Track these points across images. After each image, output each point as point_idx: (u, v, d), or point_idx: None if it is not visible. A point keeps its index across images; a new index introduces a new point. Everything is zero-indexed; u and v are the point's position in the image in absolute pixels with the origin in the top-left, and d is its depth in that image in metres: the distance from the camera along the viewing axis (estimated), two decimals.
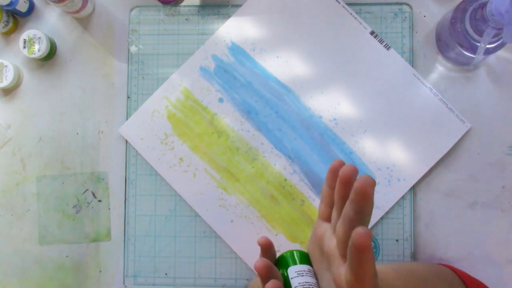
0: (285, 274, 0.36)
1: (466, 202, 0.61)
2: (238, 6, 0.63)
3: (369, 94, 0.61)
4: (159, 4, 0.64)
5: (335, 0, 0.62)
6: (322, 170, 0.61)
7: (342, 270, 0.34)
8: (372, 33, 0.62)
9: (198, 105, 0.62)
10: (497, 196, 0.61)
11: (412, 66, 0.61)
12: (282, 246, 0.61)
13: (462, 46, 0.56)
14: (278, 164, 0.61)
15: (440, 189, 0.61)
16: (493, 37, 0.52)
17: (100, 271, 0.63)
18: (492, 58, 0.61)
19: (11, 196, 0.64)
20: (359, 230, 0.30)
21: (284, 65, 0.62)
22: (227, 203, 0.61)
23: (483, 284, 0.48)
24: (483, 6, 0.51)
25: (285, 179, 0.61)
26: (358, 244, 0.30)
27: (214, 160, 0.62)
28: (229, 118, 0.62)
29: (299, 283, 0.35)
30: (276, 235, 0.61)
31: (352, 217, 0.32)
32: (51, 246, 0.63)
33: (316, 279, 0.37)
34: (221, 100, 0.62)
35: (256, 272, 0.36)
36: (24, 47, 0.61)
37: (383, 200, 0.60)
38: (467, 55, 0.56)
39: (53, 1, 0.57)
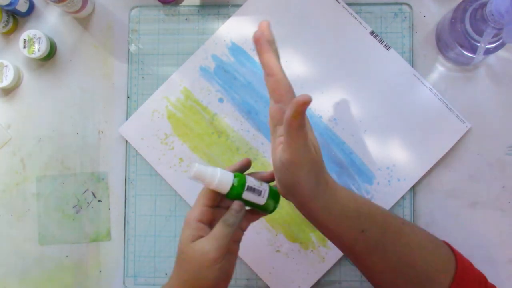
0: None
1: (466, 202, 0.61)
2: (238, 6, 0.63)
3: (369, 94, 0.61)
4: (159, 4, 0.64)
5: (335, 0, 0.62)
6: None
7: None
8: (372, 33, 0.62)
9: (198, 105, 0.62)
10: (497, 196, 0.61)
11: (412, 66, 0.61)
12: (282, 246, 0.61)
13: (462, 46, 0.56)
14: None
15: (440, 189, 0.61)
16: (493, 37, 0.52)
17: (100, 271, 0.63)
18: (492, 58, 0.61)
19: (11, 196, 0.64)
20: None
21: (284, 65, 0.62)
22: None
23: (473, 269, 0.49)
24: (483, 6, 0.51)
25: None
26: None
27: (214, 160, 0.62)
28: (229, 118, 0.62)
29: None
30: (276, 235, 0.61)
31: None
32: (51, 246, 0.63)
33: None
34: (221, 100, 0.62)
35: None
36: (24, 47, 0.61)
37: (383, 200, 0.60)
38: (467, 55, 0.56)
39: (53, 1, 0.57)
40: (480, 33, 0.53)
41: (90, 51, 0.64)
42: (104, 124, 0.64)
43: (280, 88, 0.42)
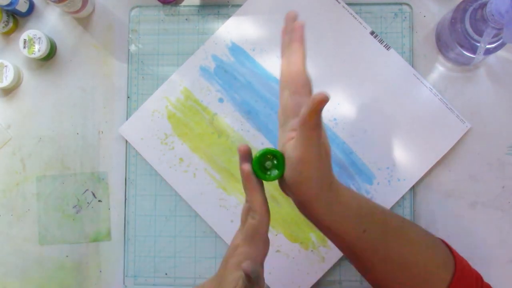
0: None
1: (466, 202, 0.61)
2: (238, 6, 0.63)
3: (369, 94, 0.61)
4: (159, 4, 0.64)
5: (335, 0, 0.62)
6: None
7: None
8: (372, 33, 0.62)
9: (198, 105, 0.63)
10: (497, 196, 0.61)
11: (412, 66, 0.61)
12: (282, 246, 0.61)
13: (462, 46, 0.56)
14: None
15: (440, 189, 0.61)
16: (493, 37, 0.52)
17: (100, 271, 0.63)
18: (492, 58, 0.61)
19: (11, 196, 0.64)
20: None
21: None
22: (227, 203, 0.61)
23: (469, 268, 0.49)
24: (483, 6, 0.51)
25: None
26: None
27: (214, 160, 0.62)
28: (229, 118, 0.62)
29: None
30: (276, 235, 0.61)
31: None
32: (51, 246, 0.63)
33: None
34: (221, 100, 0.62)
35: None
36: (24, 47, 0.61)
37: (383, 200, 0.60)
38: (467, 55, 0.56)
39: (53, 1, 0.57)
40: (480, 33, 0.53)
41: (90, 51, 0.64)
42: (104, 124, 0.64)
43: (299, 79, 0.42)
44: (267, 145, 0.62)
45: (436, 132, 0.60)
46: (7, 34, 0.64)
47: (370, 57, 0.61)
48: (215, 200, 0.61)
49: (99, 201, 0.63)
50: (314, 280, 0.60)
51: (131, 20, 0.64)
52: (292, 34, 0.43)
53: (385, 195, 0.60)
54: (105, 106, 0.64)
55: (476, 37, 0.53)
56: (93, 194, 0.63)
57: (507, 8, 0.48)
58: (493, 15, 0.49)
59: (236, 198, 0.61)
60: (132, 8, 0.64)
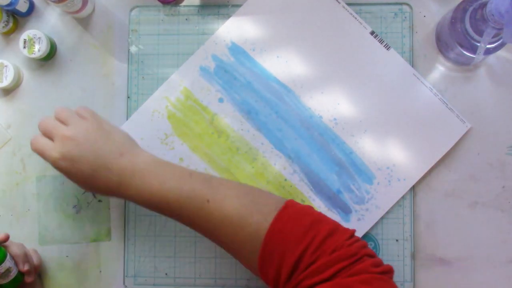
0: None
1: (466, 202, 0.61)
2: (238, 6, 0.63)
3: (369, 94, 0.61)
4: (159, 4, 0.64)
5: (335, 0, 0.62)
6: (322, 170, 0.61)
7: None
8: (372, 33, 0.62)
9: (198, 105, 0.63)
10: (497, 196, 0.61)
11: (412, 66, 0.61)
12: None
13: (462, 46, 0.56)
14: (278, 164, 0.61)
15: (440, 189, 0.61)
16: (493, 37, 0.52)
17: (100, 271, 0.63)
18: (492, 58, 0.61)
19: (11, 196, 0.64)
20: None
21: (284, 65, 0.62)
22: None
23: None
24: (483, 6, 0.51)
25: (285, 179, 0.61)
26: None
27: (214, 160, 0.62)
28: (229, 118, 0.62)
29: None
30: None
31: None
32: (51, 246, 0.63)
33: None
34: (221, 100, 0.62)
35: None
36: (24, 47, 0.61)
37: (383, 200, 0.60)
38: (467, 55, 0.56)
39: (53, 1, 0.57)
40: (480, 33, 0.53)
41: (90, 51, 0.64)
42: None
43: None
44: (267, 145, 0.61)
45: (436, 132, 0.60)
46: (7, 34, 0.64)
47: (370, 57, 0.61)
48: None
49: (99, 201, 0.63)
50: None
51: (131, 20, 0.64)
52: None
53: (385, 195, 0.60)
54: (105, 106, 0.64)
55: (476, 37, 0.53)
56: (93, 194, 0.63)
57: (507, 8, 0.48)
58: (493, 15, 0.49)
59: None
60: (132, 8, 0.64)
